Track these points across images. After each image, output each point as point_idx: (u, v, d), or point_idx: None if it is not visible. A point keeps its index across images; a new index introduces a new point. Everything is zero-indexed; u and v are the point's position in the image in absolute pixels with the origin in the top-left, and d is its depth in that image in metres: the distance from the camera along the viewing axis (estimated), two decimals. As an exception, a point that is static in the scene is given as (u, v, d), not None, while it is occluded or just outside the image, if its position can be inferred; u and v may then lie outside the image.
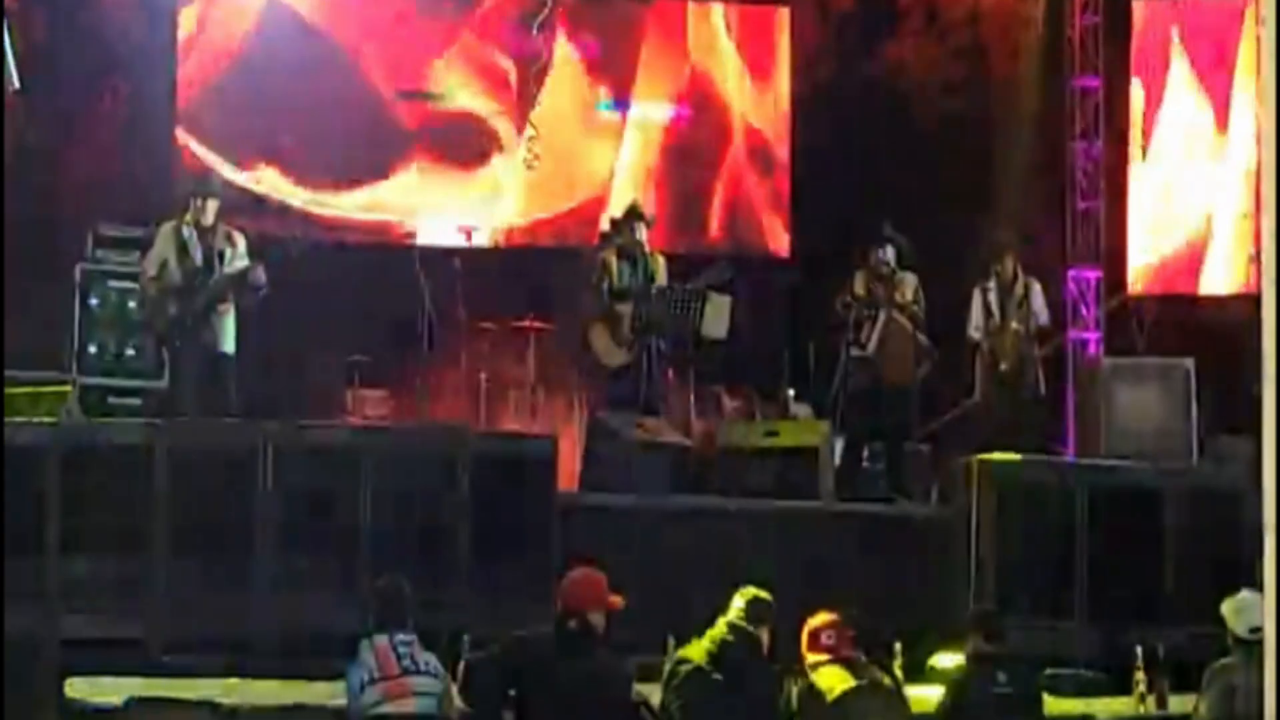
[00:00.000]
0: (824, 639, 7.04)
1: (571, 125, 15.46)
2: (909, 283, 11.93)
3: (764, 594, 7.41)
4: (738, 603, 7.40)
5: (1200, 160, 15.17)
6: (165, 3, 14.41)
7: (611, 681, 7.00)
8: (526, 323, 13.22)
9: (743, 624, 7.29)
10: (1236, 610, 7.39)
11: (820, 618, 7.17)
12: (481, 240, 14.60)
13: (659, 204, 14.78)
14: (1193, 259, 15.15)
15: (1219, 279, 15.00)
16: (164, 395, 11.73)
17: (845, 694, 6.97)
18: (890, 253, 11.93)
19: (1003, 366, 12.24)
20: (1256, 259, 13.85)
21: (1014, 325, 12.20)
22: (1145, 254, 15.34)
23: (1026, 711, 7.64)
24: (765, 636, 7.32)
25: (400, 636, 7.07)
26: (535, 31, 15.07)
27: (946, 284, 13.00)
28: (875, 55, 16.02)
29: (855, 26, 15.95)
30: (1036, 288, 12.55)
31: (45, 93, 13.44)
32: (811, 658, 7.11)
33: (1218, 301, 14.68)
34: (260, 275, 10.96)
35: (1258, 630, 7.01)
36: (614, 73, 15.54)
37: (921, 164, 15.09)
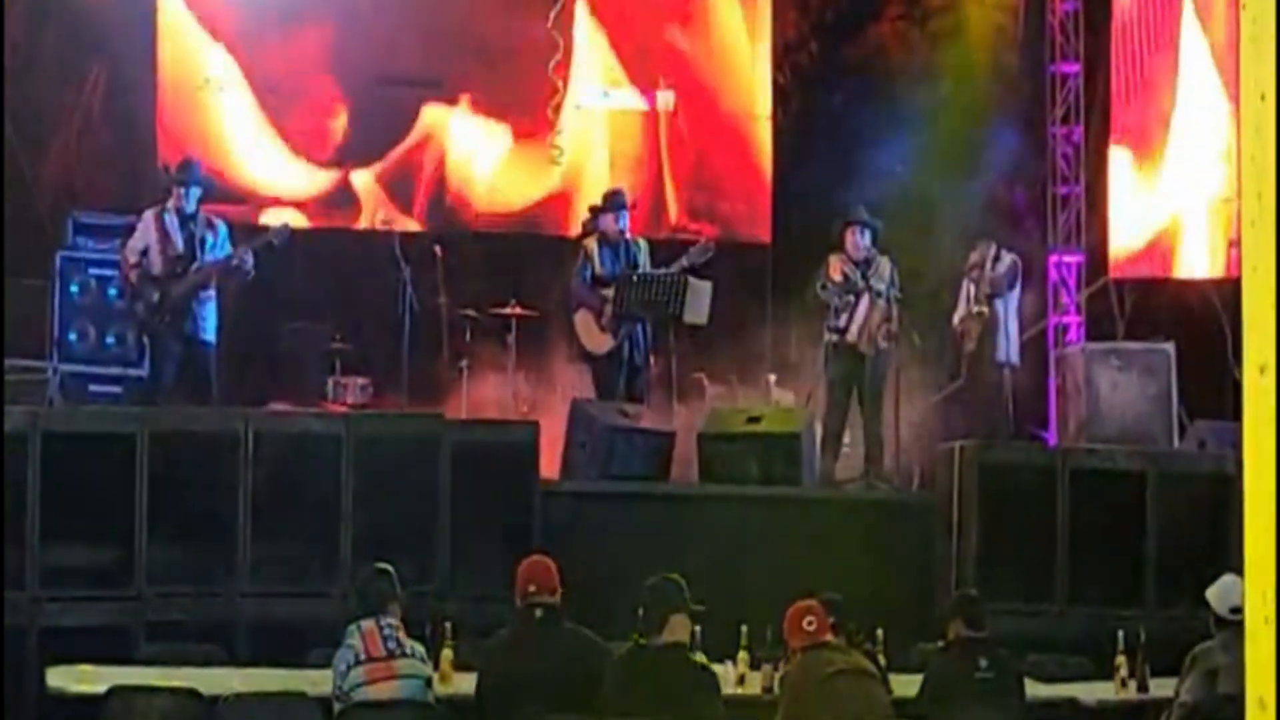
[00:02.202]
0: (806, 625, 7.03)
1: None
2: (885, 266, 11.95)
3: (668, 579, 6.88)
4: (642, 610, 6.79)
5: (1177, 144, 15.18)
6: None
7: (589, 655, 7.03)
8: (508, 309, 13.21)
9: (647, 641, 6.78)
10: (1219, 592, 7.42)
11: (802, 604, 7.16)
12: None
13: (639, 189, 14.76)
14: (1171, 243, 15.17)
15: (1197, 263, 15.02)
16: (145, 383, 11.72)
17: (828, 679, 6.96)
18: (867, 237, 11.95)
19: (968, 348, 12.30)
20: (1237, 244, 13.88)
21: (977, 309, 12.24)
22: (1126, 238, 15.35)
23: (1008, 696, 7.65)
24: (685, 627, 6.88)
25: (386, 621, 7.13)
26: (550, 23, 15.00)
27: (927, 268, 13.03)
28: (856, 39, 16.01)
29: (836, 10, 15.94)
30: (1008, 260, 12.48)
31: (25, 81, 13.40)
32: (794, 643, 7.10)
33: (1198, 286, 14.70)
34: (247, 259, 10.99)
35: (1238, 610, 7.05)
36: (592, 59, 15.51)
37: (902, 148, 15.07)
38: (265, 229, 11.37)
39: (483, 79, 15.21)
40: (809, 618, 7.04)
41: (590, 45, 15.41)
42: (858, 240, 11.96)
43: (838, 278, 11.94)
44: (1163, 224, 15.21)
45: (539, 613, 7.06)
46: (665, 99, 15.65)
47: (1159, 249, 15.25)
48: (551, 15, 15.00)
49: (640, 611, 6.75)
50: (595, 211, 12.38)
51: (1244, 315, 3.49)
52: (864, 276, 11.89)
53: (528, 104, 15.29)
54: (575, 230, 13.71)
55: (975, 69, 16.02)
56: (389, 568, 7.35)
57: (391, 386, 12.52)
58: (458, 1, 15.24)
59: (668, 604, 6.84)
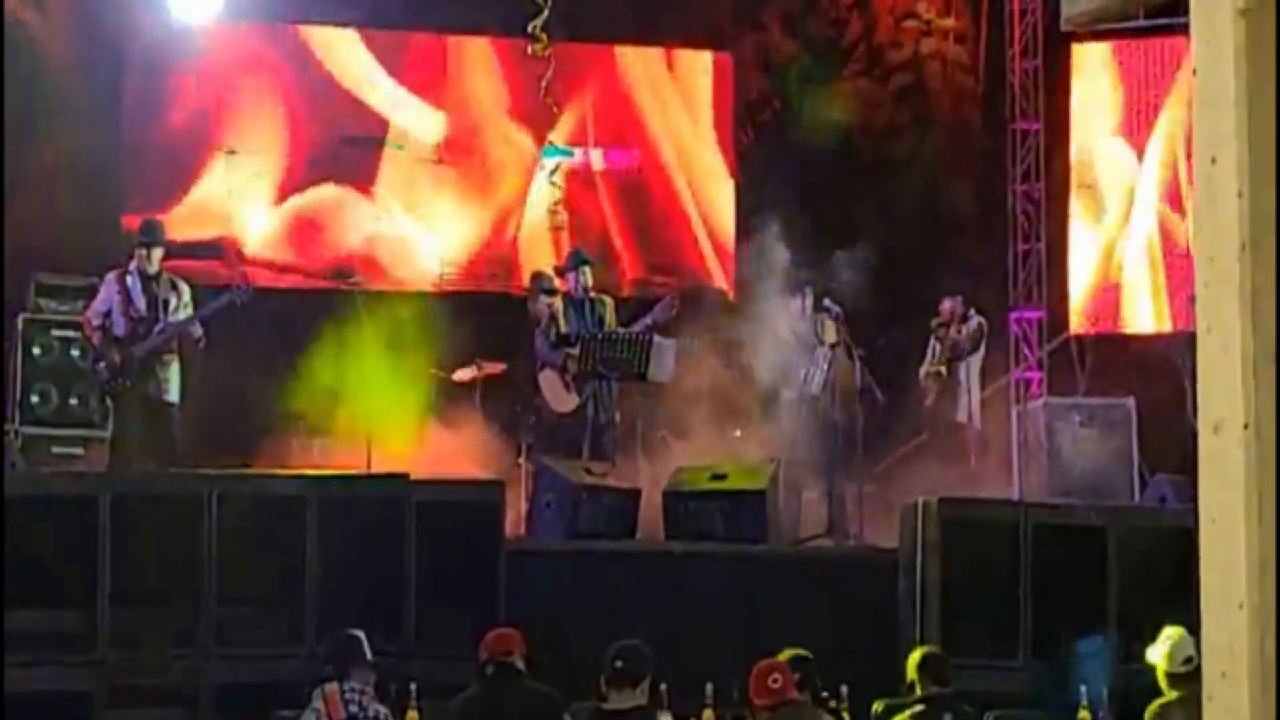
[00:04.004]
0: (771, 683, 7.02)
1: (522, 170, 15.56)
2: (829, 328, 12.00)
3: (630, 646, 6.89)
4: (607, 672, 6.78)
5: (1135, 201, 15.32)
6: (110, 49, 14.39)
7: (544, 707, 7.07)
8: (474, 368, 13.20)
9: (610, 705, 6.79)
10: (1169, 650, 7.43)
11: (766, 662, 7.16)
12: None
13: (602, 247, 14.83)
14: (1129, 300, 15.30)
15: (1154, 319, 15.14)
16: (108, 445, 11.68)
17: (793, 737, 6.96)
18: (808, 300, 12.03)
19: (927, 404, 12.41)
20: (1192, 300, 13.98)
21: (935, 369, 12.35)
22: (1085, 294, 15.47)
23: (973, 752, 7.66)
24: (644, 690, 6.87)
25: (349, 685, 7.15)
26: (544, 94, 15.03)
27: (889, 325, 13.09)
28: (817, 98, 16.12)
29: (799, 68, 16.06)
30: (974, 323, 12.61)
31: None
32: (760, 702, 7.09)
33: (1158, 340, 14.80)
34: (197, 329, 10.99)
35: (1190, 661, 7.09)
36: (563, 119, 15.59)
37: (864, 205, 15.16)
38: (227, 288, 11.37)
39: (460, 141, 15.33)
40: (774, 675, 7.03)
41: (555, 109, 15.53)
42: (802, 304, 12.03)
43: (789, 338, 12.01)
44: (1121, 280, 15.33)
45: (490, 670, 7.12)
46: (630, 156, 15.74)
47: (1117, 305, 15.37)
48: (544, 83, 15.04)
49: (618, 663, 6.75)
50: (559, 271, 12.43)
51: (1199, 374, 3.54)
52: (814, 333, 11.96)
53: (496, 164, 15.40)
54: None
55: (936, 126, 16.14)
56: (358, 633, 7.35)
57: (356, 446, 12.51)
58: (435, 65, 15.34)
59: (649, 667, 6.88)
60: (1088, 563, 10.25)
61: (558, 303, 12.11)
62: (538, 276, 12.91)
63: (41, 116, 13.83)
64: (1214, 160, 3.44)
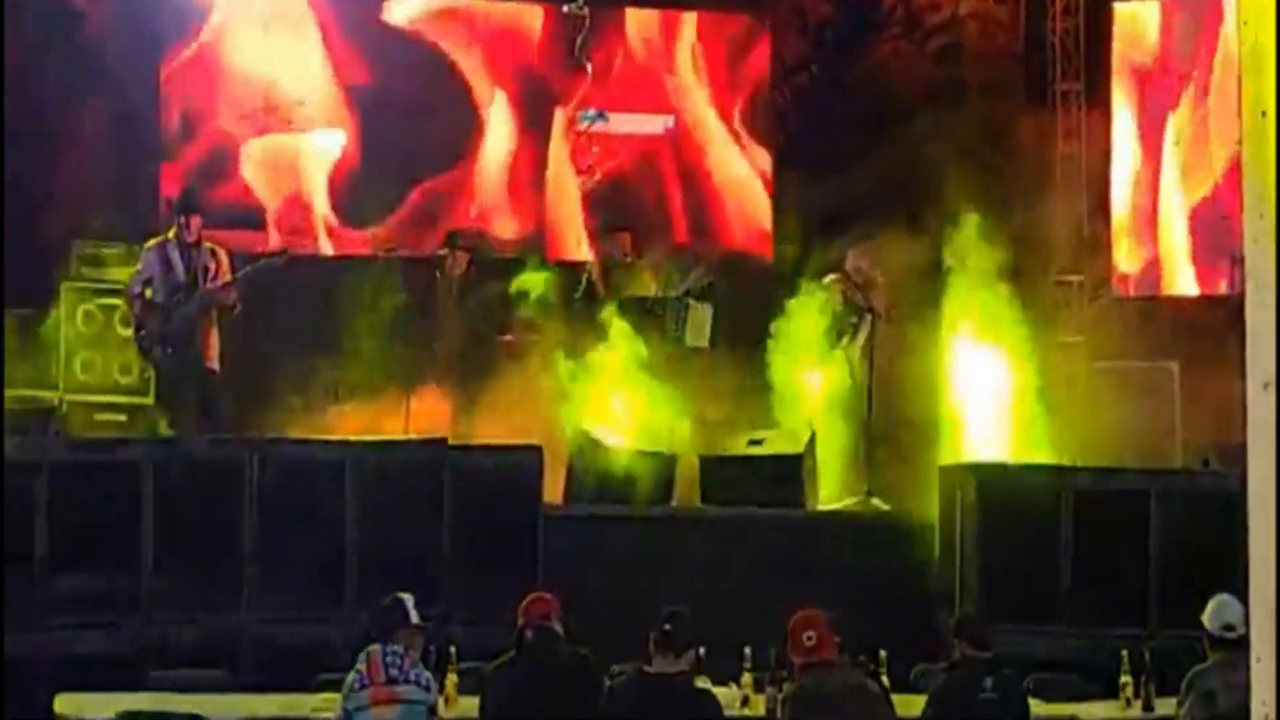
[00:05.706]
0: (806, 640, 6.99)
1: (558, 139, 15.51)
2: (883, 287, 11.99)
3: (679, 614, 6.94)
4: (656, 633, 6.83)
5: (1177, 161, 15.22)
6: (148, 19, 14.39)
7: (582, 671, 7.11)
8: (510, 335, 13.20)
9: (653, 668, 6.86)
10: (1211, 610, 7.42)
11: (802, 615, 7.10)
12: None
13: (641, 213, 14.79)
14: (1174, 260, 15.20)
15: (1199, 280, 15.04)
16: (150, 412, 11.73)
17: (832, 699, 6.95)
18: (866, 259, 12.00)
19: None
20: (1239, 261, 13.88)
21: None
22: (1129, 255, 15.38)
23: (1012, 717, 7.64)
24: (688, 659, 6.93)
25: (391, 648, 7.20)
26: (578, 51, 14.94)
27: (926, 288, 13.03)
28: (856, 59, 16.04)
29: (835, 31, 15.97)
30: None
31: (28, 110, 13.42)
32: (796, 659, 7.08)
33: (1202, 302, 14.70)
34: (231, 296, 11.05)
35: (1231, 629, 7.07)
36: (596, 83, 15.54)
37: (902, 167, 15.08)
38: (264, 255, 11.41)
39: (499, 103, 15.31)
40: (809, 632, 6.98)
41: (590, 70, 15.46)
42: (859, 262, 12.00)
43: (840, 299, 11.98)
44: (1166, 240, 15.24)
45: (528, 634, 7.18)
46: (665, 121, 15.68)
47: (1163, 266, 15.27)
48: (579, 43, 14.96)
49: (666, 627, 6.79)
50: (594, 237, 12.42)
51: (1247, 332, 3.51)
52: (866, 297, 11.93)
53: (536, 128, 15.35)
54: (578, 254, 13.75)
55: (975, 87, 16.03)
56: (403, 597, 7.39)
57: (394, 412, 12.53)
58: (479, 31, 15.29)
59: (693, 639, 6.89)
60: (1129, 527, 10.22)
61: (593, 267, 12.12)
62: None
63: (82, 84, 13.85)
64: (1264, 114, 3.39)
